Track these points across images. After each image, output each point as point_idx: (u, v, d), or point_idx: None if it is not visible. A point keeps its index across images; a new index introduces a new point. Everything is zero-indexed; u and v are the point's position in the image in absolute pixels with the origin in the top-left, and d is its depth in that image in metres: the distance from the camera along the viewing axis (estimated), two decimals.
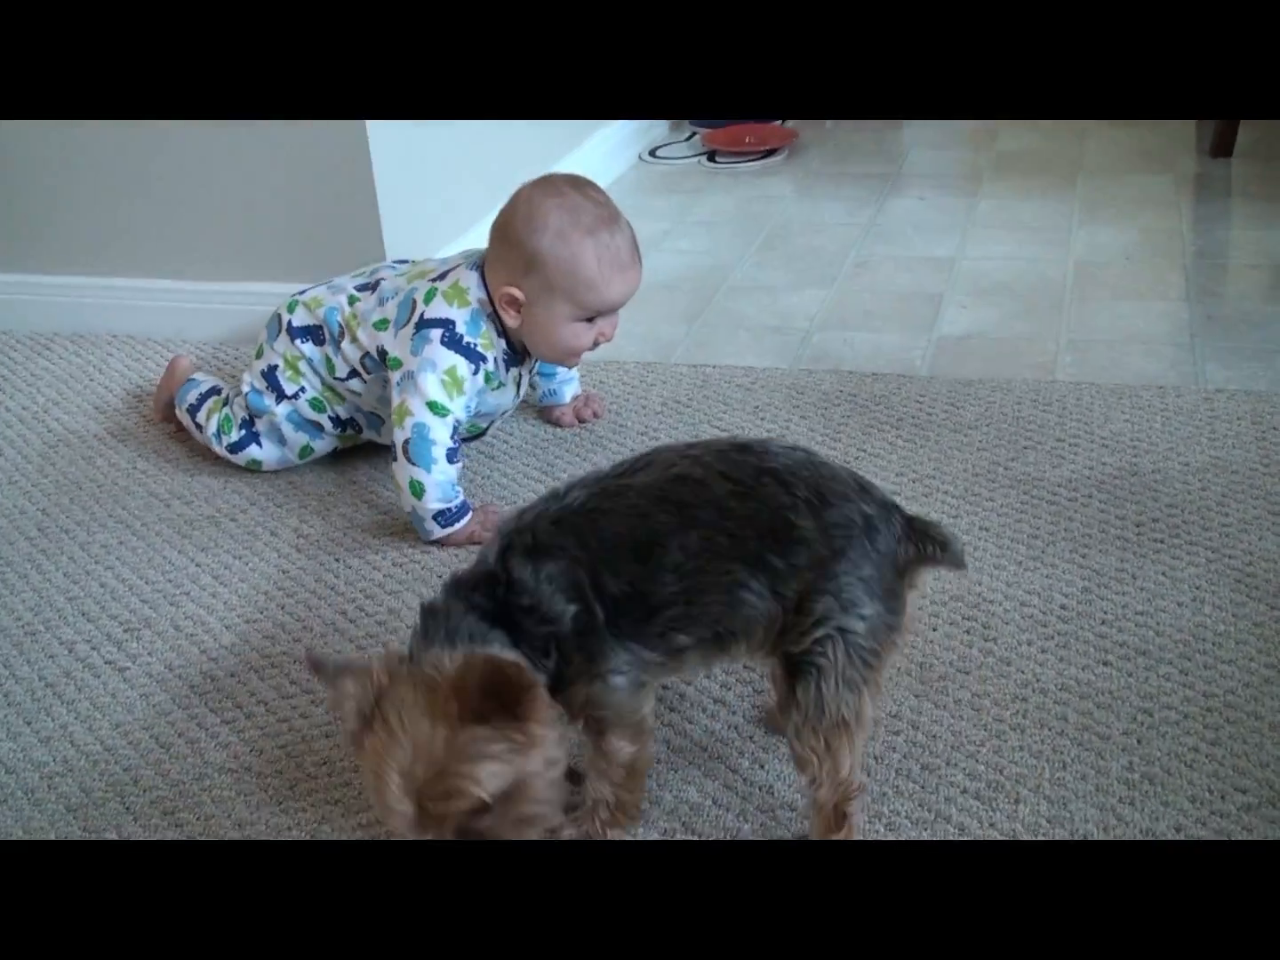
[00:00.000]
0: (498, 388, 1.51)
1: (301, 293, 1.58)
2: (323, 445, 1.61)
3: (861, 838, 1.02)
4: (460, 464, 1.46)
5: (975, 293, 2.02)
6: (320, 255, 1.89)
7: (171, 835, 1.08)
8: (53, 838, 1.08)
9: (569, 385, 1.69)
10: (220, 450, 1.60)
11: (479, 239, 2.00)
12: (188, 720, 1.21)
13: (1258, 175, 2.45)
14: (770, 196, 2.53)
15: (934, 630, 1.26)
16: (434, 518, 1.43)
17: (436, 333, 1.45)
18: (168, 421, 1.73)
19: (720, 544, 0.94)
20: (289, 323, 1.55)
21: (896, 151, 2.79)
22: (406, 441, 1.43)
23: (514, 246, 1.44)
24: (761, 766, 1.11)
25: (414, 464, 1.42)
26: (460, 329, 1.46)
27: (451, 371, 1.44)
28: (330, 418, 1.57)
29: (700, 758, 1.12)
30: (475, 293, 1.47)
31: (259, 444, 1.59)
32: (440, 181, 1.98)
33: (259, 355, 1.59)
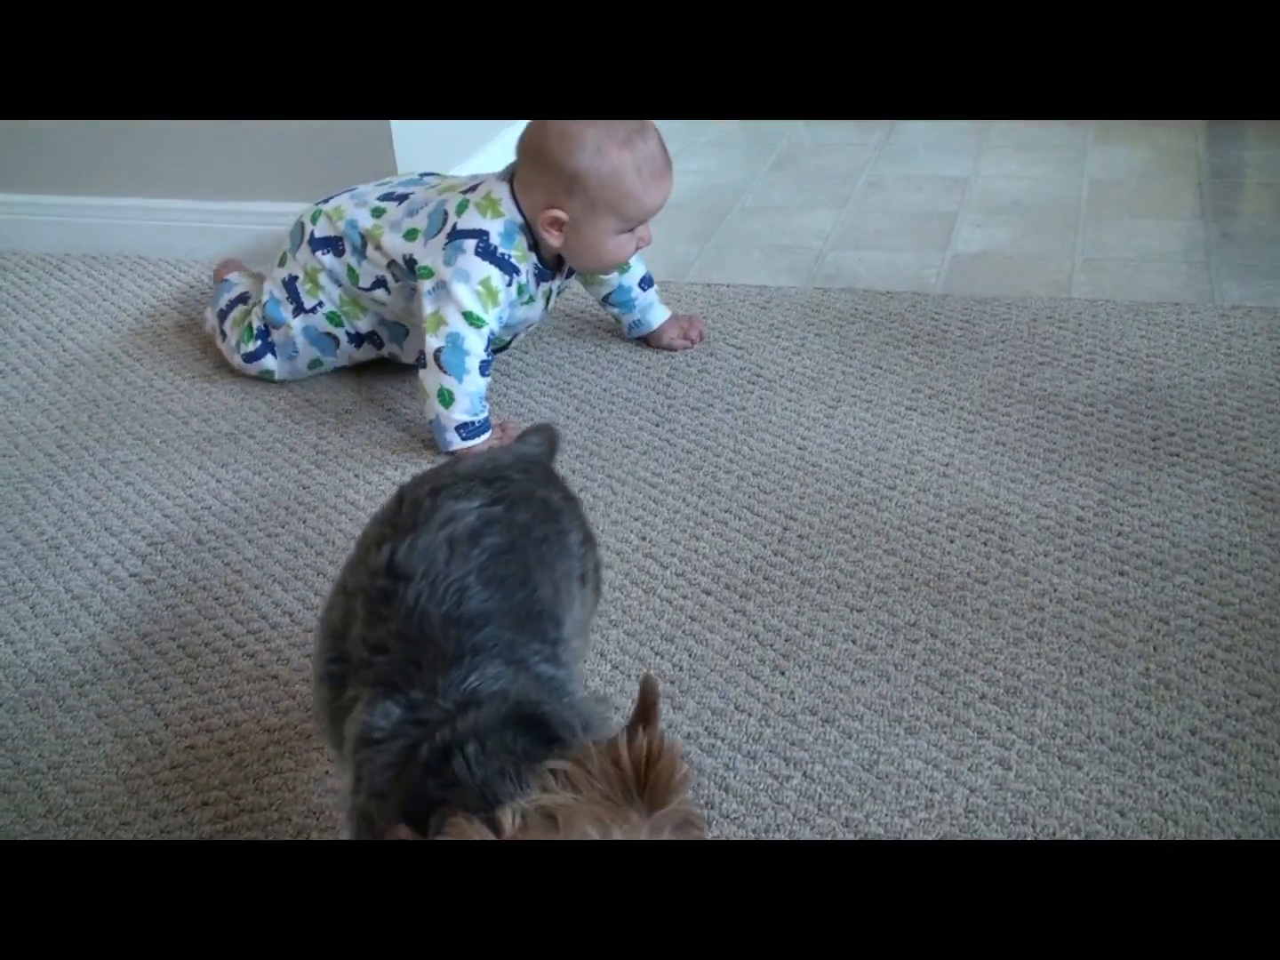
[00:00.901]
0: (527, 301, 1.51)
1: (325, 201, 1.58)
2: (332, 361, 1.62)
3: (880, 739, 1.04)
4: (489, 378, 1.46)
5: (989, 211, 2.01)
6: (332, 173, 1.87)
7: (203, 740, 1.09)
8: (85, 743, 1.10)
9: (653, 311, 1.66)
10: (237, 361, 1.62)
11: (491, 156, 2.00)
12: (214, 631, 1.22)
13: None
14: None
15: (951, 542, 1.27)
16: (457, 429, 1.44)
17: (470, 243, 1.45)
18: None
19: None
20: (311, 233, 1.56)
21: None
22: (439, 350, 1.43)
23: (551, 168, 1.43)
24: (782, 673, 1.12)
25: (446, 372, 1.43)
26: (494, 240, 1.45)
27: (486, 282, 1.44)
28: (348, 332, 1.58)
29: (721, 665, 1.14)
30: (508, 204, 1.46)
31: (273, 354, 1.60)
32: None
33: (281, 263, 1.60)
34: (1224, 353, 1.55)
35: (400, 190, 1.55)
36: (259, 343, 1.60)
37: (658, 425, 1.50)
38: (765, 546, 1.28)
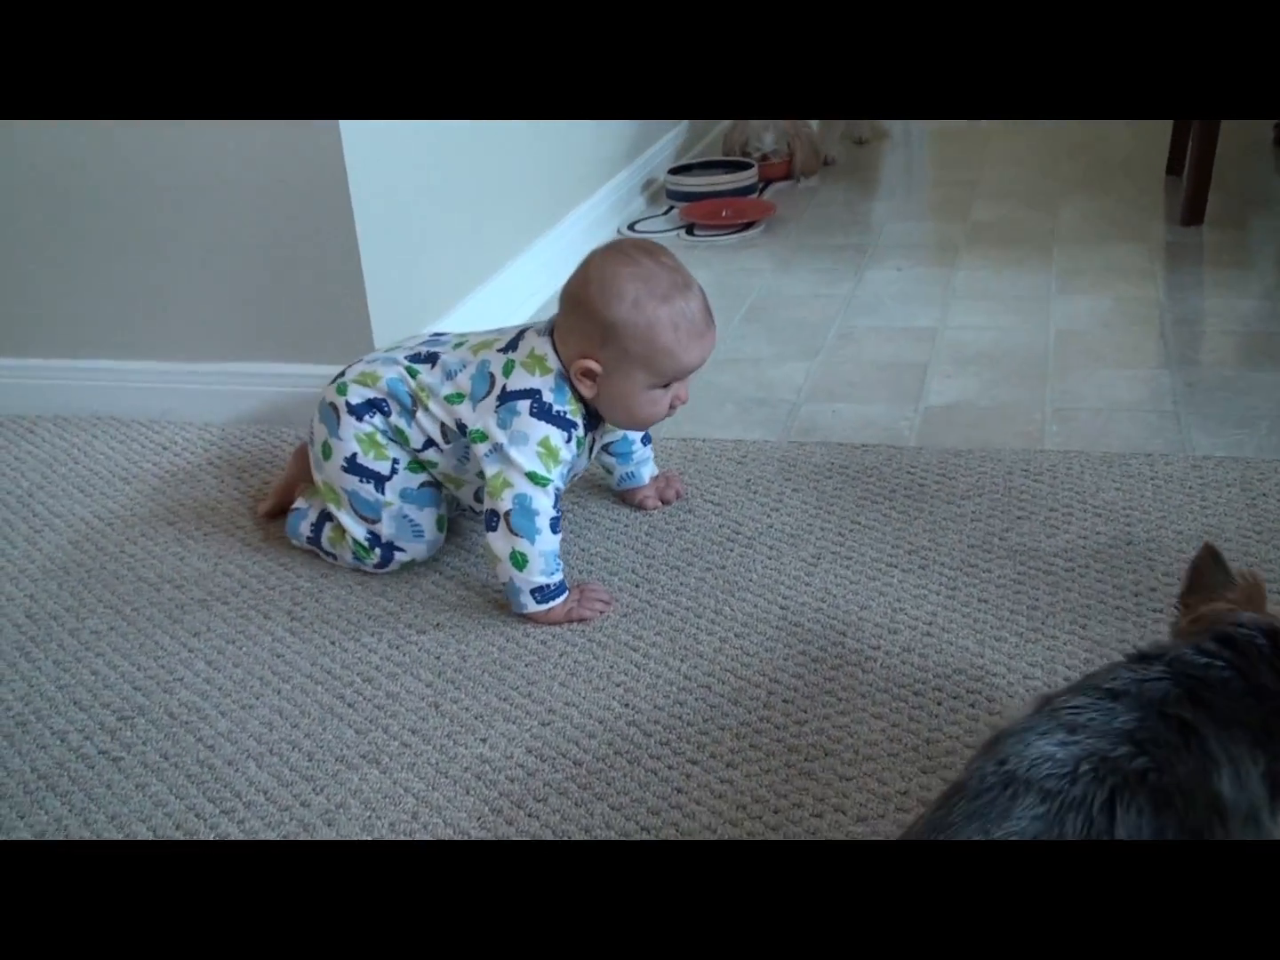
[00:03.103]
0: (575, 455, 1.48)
1: (341, 375, 1.52)
2: (447, 508, 1.55)
3: None
4: (560, 534, 1.43)
5: (958, 362, 2.04)
6: (306, 334, 1.89)
7: None
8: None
9: (646, 466, 1.66)
10: (376, 571, 1.55)
11: (464, 316, 2.02)
12: (185, 810, 1.19)
13: (1229, 243, 2.49)
14: (749, 269, 2.55)
15: (938, 704, 1.25)
16: (532, 592, 1.41)
17: (524, 404, 1.42)
18: (270, 517, 1.69)
19: None
20: (347, 404, 1.49)
21: (871, 224, 2.83)
22: (508, 513, 1.40)
23: (588, 317, 1.41)
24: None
25: (517, 534, 1.40)
26: (547, 397, 1.42)
27: (545, 442, 1.41)
28: (436, 479, 1.52)
29: (709, 840, 1.11)
30: (553, 359, 1.44)
31: (399, 549, 1.52)
32: (424, 259, 1.99)
33: (327, 457, 1.51)
34: (1199, 505, 1.56)
35: (424, 350, 1.51)
36: (377, 551, 1.51)
37: (637, 586, 1.49)
38: (750, 712, 1.26)
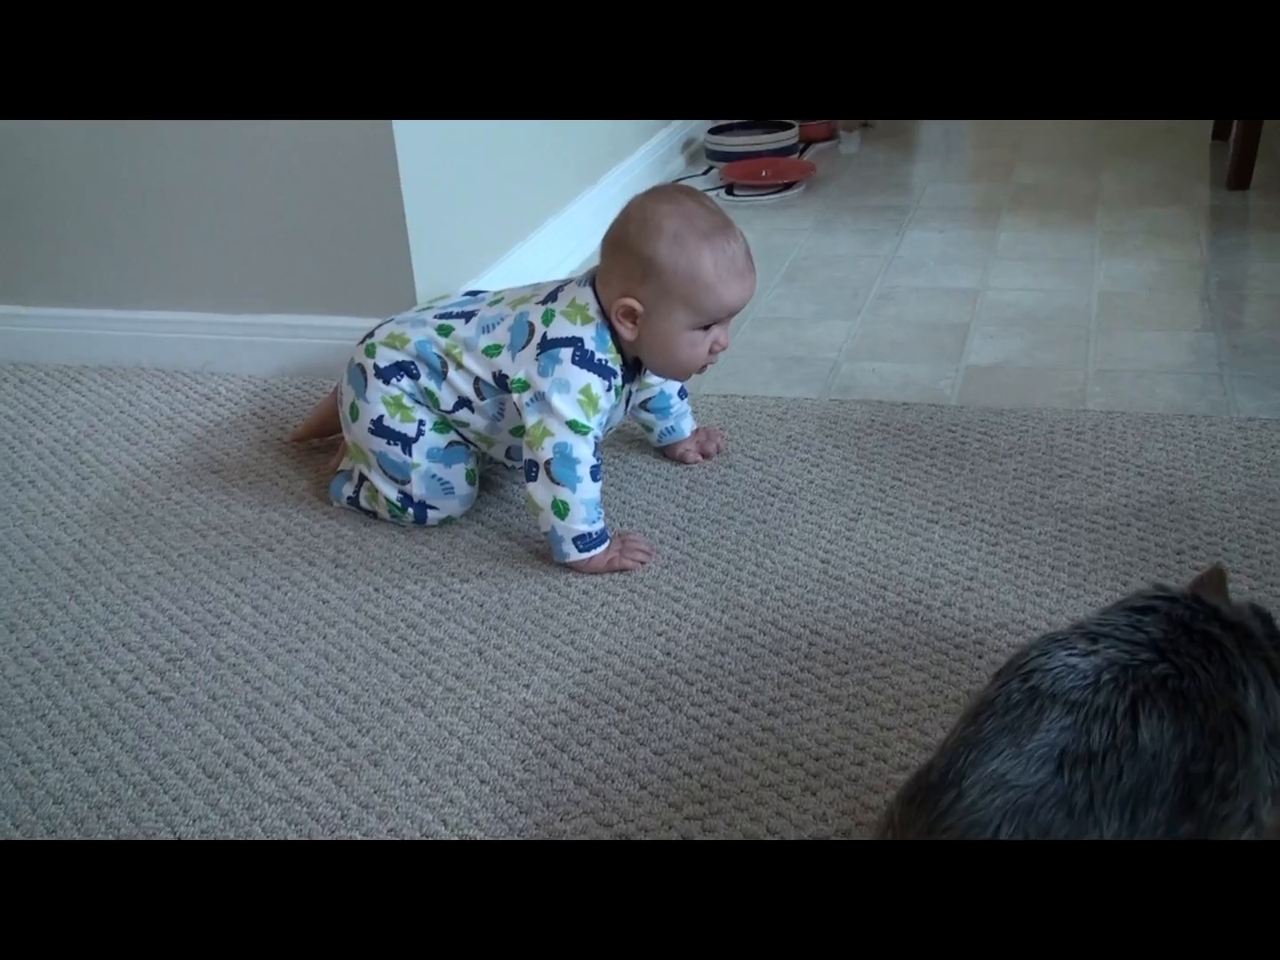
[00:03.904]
0: (614, 405, 1.49)
1: (370, 336, 1.54)
2: (476, 462, 1.56)
3: None
4: (600, 482, 1.44)
5: (1000, 323, 2.03)
6: (349, 287, 1.90)
7: None
8: None
9: (685, 419, 1.67)
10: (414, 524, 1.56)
11: (505, 271, 2.03)
12: (234, 749, 1.21)
13: (1275, 208, 2.46)
14: (789, 229, 2.54)
15: (979, 658, 1.26)
16: (574, 540, 1.42)
17: (566, 351, 1.42)
18: (299, 441, 1.75)
19: None
20: (375, 366, 1.50)
21: (912, 185, 2.81)
22: (549, 462, 1.41)
23: (629, 255, 1.41)
24: (813, 794, 1.11)
25: (558, 483, 1.41)
26: (589, 345, 1.43)
27: (586, 390, 1.42)
28: (465, 436, 1.53)
29: (751, 785, 1.12)
30: (595, 309, 1.44)
31: (431, 507, 1.53)
32: (466, 215, 2.00)
33: (354, 418, 1.52)
34: (1243, 465, 1.56)
35: (457, 309, 1.52)
36: (410, 511, 1.52)
37: (678, 538, 1.50)
38: (791, 663, 1.27)
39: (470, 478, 1.54)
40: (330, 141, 1.81)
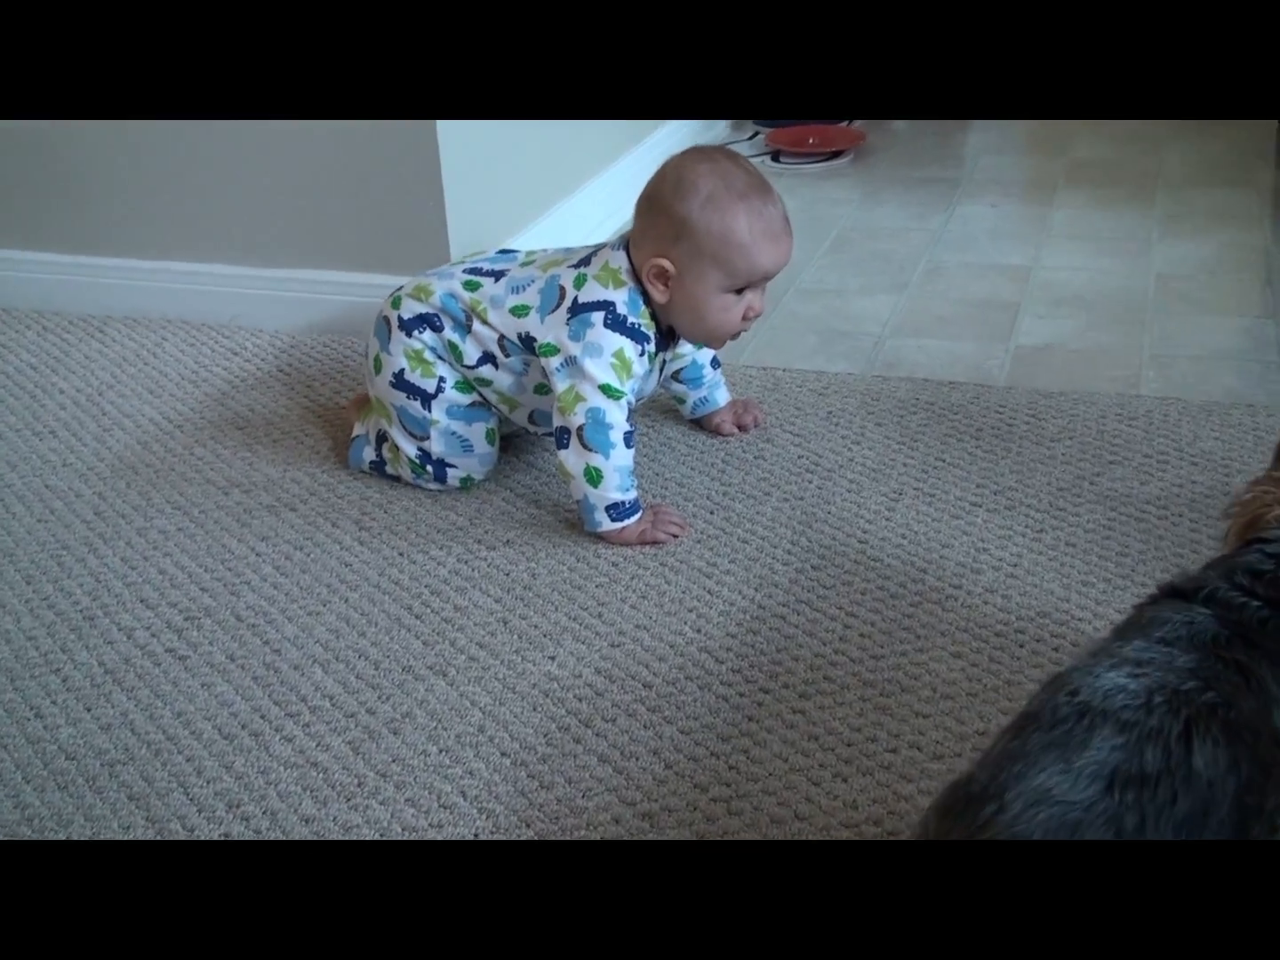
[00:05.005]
0: (647, 371, 1.47)
1: (399, 289, 1.53)
2: (506, 426, 1.56)
3: None
4: (634, 449, 1.44)
5: (1052, 303, 2.00)
6: (381, 243, 1.89)
7: (238, 829, 1.07)
8: (115, 827, 1.08)
9: (719, 390, 1.65)
10: (435, 488, 1.55)
11: (541, 232, 2.01)
12: (251, 712, 1.21)
13: None
14: (836, 199, 2.52)
15: (1020, 647, 1.24)
16: (607, 509, 1.41)
17: (598, 315, 1.41)
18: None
19: None
20: (399, 318, 1.49)
21: (964, 156, 2.78)
22: (581, 428, 1.40)
23: (662, 214, 1.40)
24: (844, 780, 1.10)
25: (591, 449, 1.40)
26: (622, 309, 1.42)
27: (619, 354, 1.41)
28: (486, 397, 1.52)
29: (780, 769, 1.11)
30: (627, 273, 1.43)
31: (450, 465, 1.52)
32: (505, 172, 1.98)
33: (378, 370, 1.51)
34: None
35: (488, 266, 1.51)
36: (429, 468, 1.52)
37: (712, 513, 1.48)
38: (825, 644, 1.26)
39: (490, 437, 1.53)
40: None
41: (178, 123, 1.91)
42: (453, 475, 1.53)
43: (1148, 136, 2.81)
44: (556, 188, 2.16)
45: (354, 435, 1.62)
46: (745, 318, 1.45)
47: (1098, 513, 1.45)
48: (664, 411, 1.71)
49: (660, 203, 1.41)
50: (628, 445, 1.42)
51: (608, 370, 1.41)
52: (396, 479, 1.57)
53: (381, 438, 1.56)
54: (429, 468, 1.52)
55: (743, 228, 1.38)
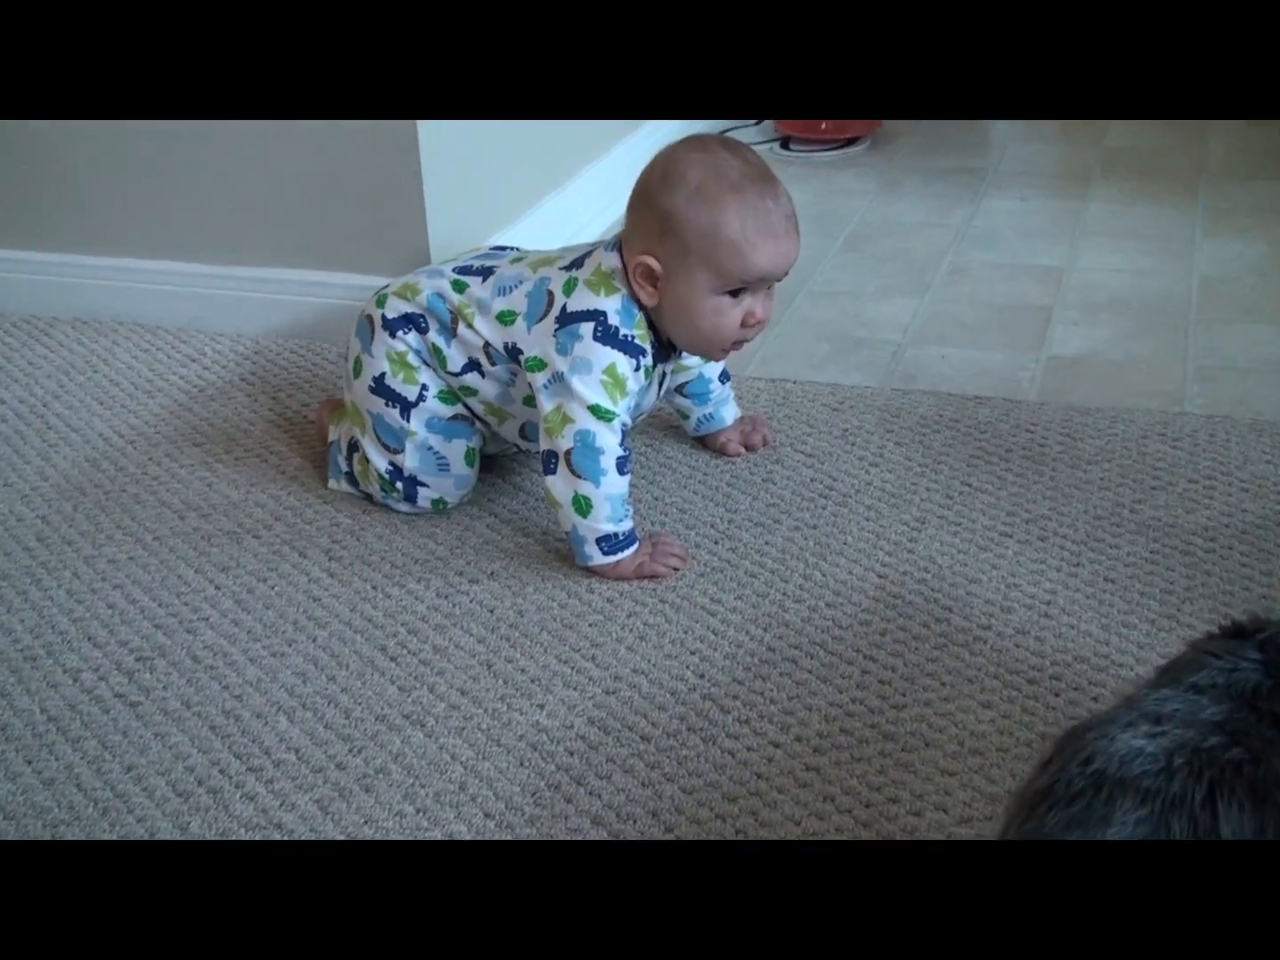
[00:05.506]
0: (643, 387, 1.45)
1: (384, 287, 1.52)
2: (490, 447, 1.55)
3: None
4: (630, 475, 1.42)
5: (1088, 308, 1.99)
6: (356, 241, 1.88)
7: None
8: None
9: (726, 406, 1.63)
10: (404, 509, 1.54)
11: (528, 228, 2.00)
12: (208, 766, 1.19)
13: None
14: (851, 191, 2.51)
15: (1056, 695, 1.23)
16: (598, 541, 1.39)
17: (587, 327, 1.39)
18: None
19: None
20: (382, 317, 1.48)
21: (990, 144, 2.77)
22: (569, 452, 1.38)
23: (649, 208, 1.38)
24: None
25: (579, 476, 1.38)
26: (613, 320, 1.39)
27: (611, 370, 1.39)
28: (473, 409, 1.50)
29: (793, 833, 1.10)
30: (621, 277, 1.41)
31: (422, 484, 1.50)
32: (490, 164, 1.97)
33: (357, 374, 1.50)
34: None
35: (478, 264, 1.49)
36: (398, 485, 1.50)
37: (716, 543, 1.47)
38: (841, 692, 1.25)
39: (470, 458, 1.51)
40: None
41: None
42: (424, 495, 1.51)
43: (1189, 123, 2.80)
44: (549, 177, 2.15)
45: (330, 440, 1.60)
46: (746, 324, 1.41)
47: (1139, 544, 1.43)
48: (665, 429, 1.70)
49: (647, 195, 1.39)
50: (621, 472, 1.40)
51: (597, 389, 1.39)
52: (369, 499, 1.55)
53: (353, 447, 1.54)
54: (399, 485, 1.51)
55: (732, 223, 1.35)
